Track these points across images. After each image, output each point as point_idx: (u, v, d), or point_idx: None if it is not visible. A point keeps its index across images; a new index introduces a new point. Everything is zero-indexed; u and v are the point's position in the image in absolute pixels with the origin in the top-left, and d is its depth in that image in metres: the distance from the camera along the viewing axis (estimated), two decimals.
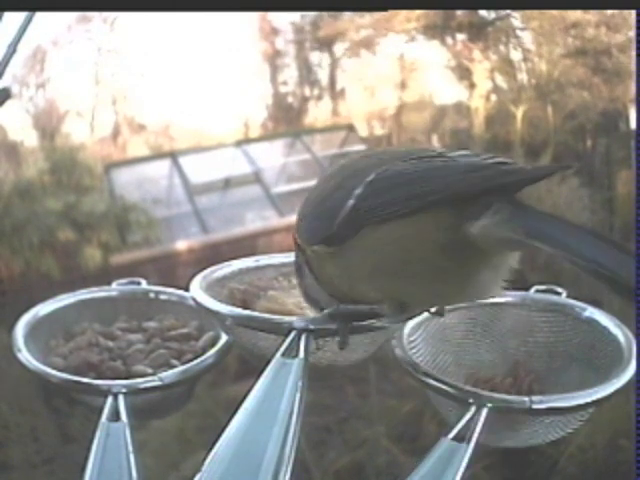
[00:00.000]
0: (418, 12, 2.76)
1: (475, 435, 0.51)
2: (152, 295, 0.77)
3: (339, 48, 3.08)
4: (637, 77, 0.70)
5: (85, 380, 0.62)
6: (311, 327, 0.54)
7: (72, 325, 0.72)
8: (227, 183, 3.19)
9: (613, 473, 1.58)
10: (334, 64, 3.14)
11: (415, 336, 0.63)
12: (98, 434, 0.54)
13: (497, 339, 0.66)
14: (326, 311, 0.56)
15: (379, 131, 3.12)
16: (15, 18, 0.75)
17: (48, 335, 0.70)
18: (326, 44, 3.06)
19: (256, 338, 0.58)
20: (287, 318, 0.56)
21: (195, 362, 0.64)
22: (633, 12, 0.65)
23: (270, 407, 0.47)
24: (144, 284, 0.77)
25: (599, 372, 0.58)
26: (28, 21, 0.74)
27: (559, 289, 0.66)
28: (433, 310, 0.59)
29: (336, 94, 3.14)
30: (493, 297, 0.58)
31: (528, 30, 2.83)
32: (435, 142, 2.89)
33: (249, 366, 0.60)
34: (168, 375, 0.62)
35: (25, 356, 0.64)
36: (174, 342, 0.70)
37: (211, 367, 0.65)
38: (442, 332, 0.65)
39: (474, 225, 0.46)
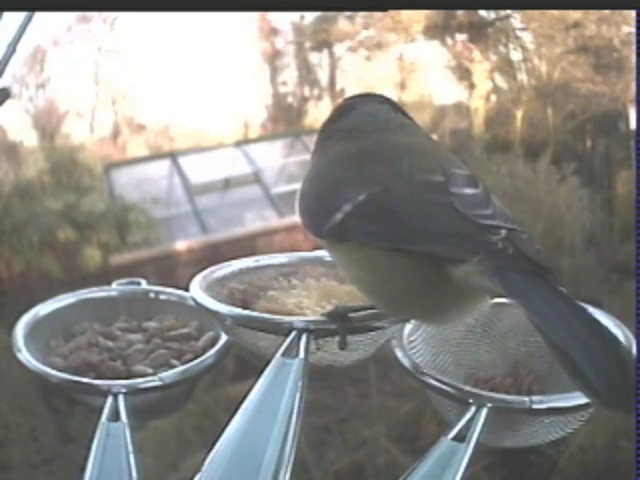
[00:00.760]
0: (418, 12, 2.76)
1: (475, 435, 0.51)
2: (152, 295, 0.76)
3: (339, 48, 3.08)
4: (637, 77, 0.70)
5: (85, 380, 0.62)
6: (311, 327, 0.54)
7: (72, 325, 0.72)
8: (227, 183, 3.19)
9: (613, 473, 1.58)
10: (334, 64, 3.14)
11: (415, 336, 0.63)
12: (98, 434, 0.53)
13: (497, 339, 0.66)
14: (326, 311, 0.56)
15: None
16: (15, 18, 0.75)
17: (48, 335, 0.70)
18: (326, 44, 3.06)
19: (256, 338, 0.58)
20: (287, 318, 0.56)
21: (195, 362, 0.64)
22: (633, 11, 0.65)
23: (270, 407, 0.47)
24: (144, 284, 0.77)
25: None
26: (28, 21, 0.74)
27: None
28: None
29: (336, 94, 3.13)
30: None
31: (528, 30, 2.83)
32: None
33: (249, 366, 0.60)
34: (168, 375, 0.62)
35: (25, 356, 0.63)
36: (174, 342, 0.70)
37: (211, 367, 0.64)
38: (442, 332, 0.65)
39: (457, 268, 0.46)
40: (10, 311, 0.75)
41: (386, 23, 2.90)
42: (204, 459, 0.44)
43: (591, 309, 0.63)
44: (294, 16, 3.04)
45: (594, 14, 2.62)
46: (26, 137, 2.95)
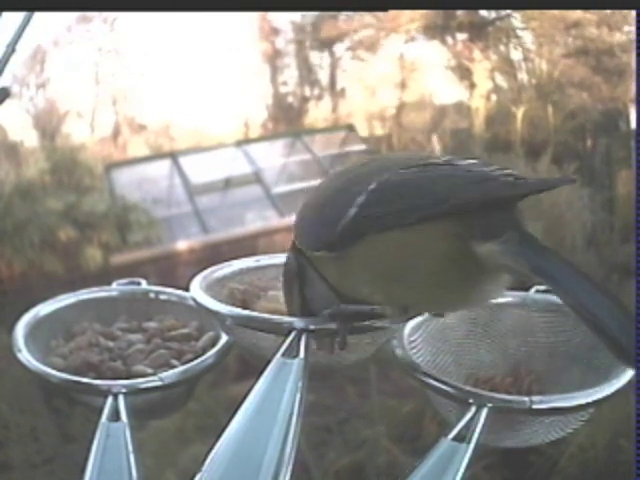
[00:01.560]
0: (418, 12, 2.76)
1: (475, 435, 0.50)
2: (152, 295, 0.76)
3: (339, 48, 3.08)
4: (637, 77, 0.70)
5: (85, 380, 0.62)
6: (311, 327, 0.54)
7: (72, 325, 0.72)
8: (227, 183, 3.19)
9: (613, 473, 1.58)
10: (334, 64, 3.14)
11: (415, 336, 0.63)
12: (98, 434, 0.53)
13: (497, 339, 0.66)
14: (326, 311, 0.56)
15: (379, 131, 3.12)
16: (15, 18, 0.75)
17: (48, 335, 0.70)
18: (326, 44, 3.06)
19: (256, 338, 0.58)
20: (287, 318, 0.56)
21: (195, 362, 0.64)
22: (633, 11, 0.65)
23: (270, 407, 0.46)
24: (144, 284, 0.77)
25: (599, 372, 0.58)
26: (27, 21, 0.74)
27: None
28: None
29: (336, 94, 3.14)
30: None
31: (528, 30, 2.83)
32: (435, 142, 2.89)
33: (249, 366, 0.60)
34: (168, 375, 0.62)
35: (25, 356, 0.63)
36: (174, 342, 0.70)
37: (211, 367, 0.64)
38: (442, 332, 0.65)
39: (481, 245, 0.46)
40: (10, 311, 0.75)
41: (386, 23, 2.90)
42: (204, 459, 0.44)
43: None
44: (294, 16, 3.04)
45: (594, 14, 2.62)
46: (26, 137, 2.95)
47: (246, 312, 0.58)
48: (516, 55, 2.91)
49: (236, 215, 3.16)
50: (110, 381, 0.61)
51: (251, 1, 0.72)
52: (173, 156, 3.23)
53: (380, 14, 2.77)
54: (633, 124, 2.59)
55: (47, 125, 2.94)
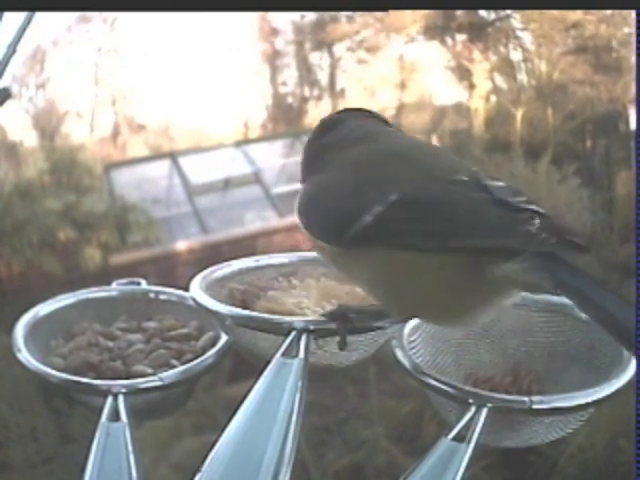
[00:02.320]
0: (418, 13, 2.76)
1: (475, 435, 0.50)
2: (152, 295, 0.76)
3: (339, 48, 3.09)
4: (637, 77, 0.70)
5: (85, 380, 0.62)
6: (311, 327, 0.54)
7: (72, 325, 0.72)
8: (227, 183, 3.19)
9: (613, 473, 1.58)
10: (334, 64, 3.14)
11: (415, 336, 0.63)
12: (98, 434, 0.53)
13: (497, 339, 0.66)
14: (326, 311, 0.56)
15: None
16: (15, 18, 0.75)
17: (48, 335, 0.70)
18: (326, 44, 3.06)
19: (256, 338, 0.58)
20: (287, 318, 0.56)
21: (195, 362, 0.64)
22: (633, 11, 0.65)
23: (270, 407, 0.46)
24: (144, 284, 0.77)
25: (599, 372, 0.58)
26: (28, 21, 0.74)
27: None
28: None
29: (336, 94, 3.14)
30: None
31: (528, 30, 2.83)
32: (435, 142, 2.89)
33: (249, 366, 0.60)
34: (168, 375, 0.62)
35: (25, 356, 0.63)
36: (174, 342, 0.70)
37: (211, 367, 0.64)
38: (442, 332, 0.65)
39: (499, 267, 0.45)
40: (10, 311, 0.75)
41: (386, 23, 2.90)
42: (204, 459, 0.44)
43: None
44: (294, 16, 3.04)
45: (594, 14, 2.62)
46: (26, 137, 2.95)
47: (246, 312, 0.58)
48: (516, 56, 2.92)
49: (235, 215, 3.16)
50: (110, 381, 0.61)
51: (251, 1, 0.72)
52: (172, 156, 3.23)
53: (380, 14, 2.77)
54: (633, 124, 2.59)
55: (46, 125, 2.94)
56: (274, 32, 3.11)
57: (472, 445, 0.49)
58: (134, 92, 3.04)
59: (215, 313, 0.58)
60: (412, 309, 0.52)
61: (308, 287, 0.64)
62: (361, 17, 2.92)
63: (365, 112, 0.58)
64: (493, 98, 3.00)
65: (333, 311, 0.55)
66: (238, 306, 0.60)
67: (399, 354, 0.60)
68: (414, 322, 0.63)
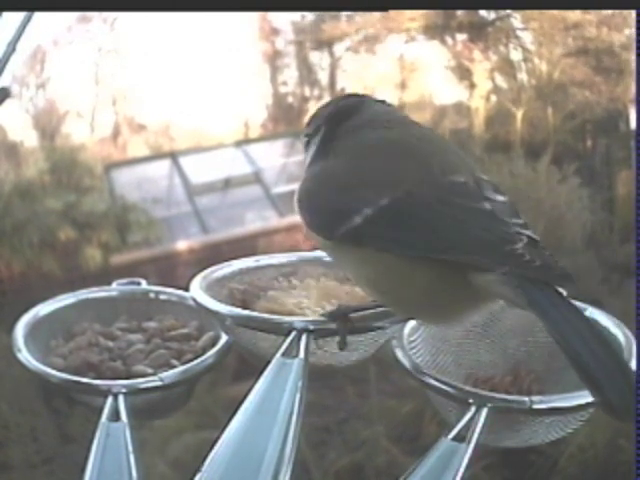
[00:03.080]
0: (418, 12, 2.76)
1: (475, 435, 0.50)
2: (152, 295, 0.76)
3: (339, 48, 3.09)
4: (637, 77, 0.70)
5: (85, 380, 0.62)
6: (311, 327, 0.54)
7: (72, 325, 0.72)
8: (227, 183, 3.19)
9: (613, 473, 1.58)
10: (334, 64, 3.14)
11: (415, 336, 0.63)
12: (98, 434, 0.53)
13: (497, 339, 0.66)
14: (326, 311, 0.56)
15: None
16: (15, 18, 0.75)
17: (48, 335, 0.70)
18: (326, 44, 3.06)
19: (256, 338, 0.58)
20: (287, 318, 0.56)
21: (195, 362, 0.64)
22: (633, 11, 0.65)
23: (270, 407, 0.46)
24: (144, 284, 0.77)
25: None
26: (27, 21, 0.74)
27: (559, 289, 0.66)
28: None
29: (336, 94, 3.13)
30: None
31: (528, 30, 2.83)
32: None
33: (249, 366, 0.60)
34: (168, 375, 0.62)
35: (25, 356, 0.63)
36: (174, 342, 0.70)
37: (211, 367, 0.64)
38: (442, 332, 0.65)
39: (479, 277, 0.46)
40: (10, 311, 0.75)
41: (386, 23, 2.90)
42: (204, 459, 0.44)
43: (591, 309, 0.63)
44: (294, 16, 3.04)
45: (594, 15, 2.62)
46: (26, 137, 2.95)
47: (246, 312, 0.58)
48: (516, 55, 2.92)
49: (236, 215, 3.16)
50: (110, 381, 0.61)
51: (251, 1, 0.72)
52: (173, 156, 3.23)
53: (380, 14, 2.77)
54: (633, 124, 2.59)
55: (47, 125, 2.94)
56: (274, 32, 3.11)
57: (472, 445, 0.49)
58: (134, 92, 3.04)
59: (215, 313, 0.58)
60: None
61: (308, 287, 0.64)
62: (361, 17, 2.92)
63: (382, 100, 0.59)
64: (493, 98, 3.00)
65: (333, 311, 0.55)
66: (238, 306, 0.60)
67: (399, 354, 0.60)
68: (414, 322, 0.63)
